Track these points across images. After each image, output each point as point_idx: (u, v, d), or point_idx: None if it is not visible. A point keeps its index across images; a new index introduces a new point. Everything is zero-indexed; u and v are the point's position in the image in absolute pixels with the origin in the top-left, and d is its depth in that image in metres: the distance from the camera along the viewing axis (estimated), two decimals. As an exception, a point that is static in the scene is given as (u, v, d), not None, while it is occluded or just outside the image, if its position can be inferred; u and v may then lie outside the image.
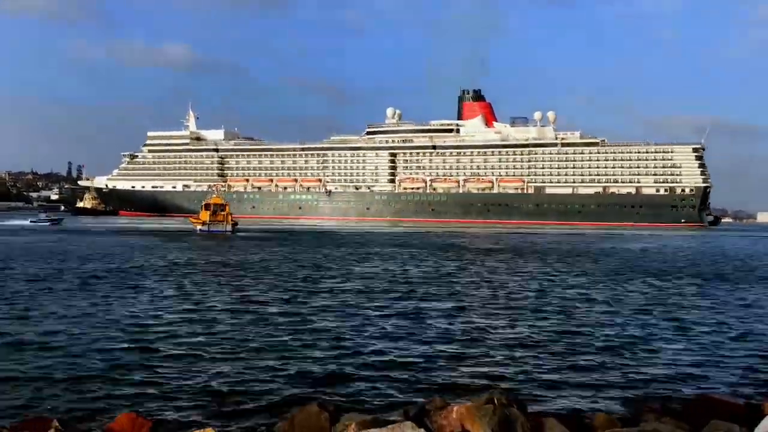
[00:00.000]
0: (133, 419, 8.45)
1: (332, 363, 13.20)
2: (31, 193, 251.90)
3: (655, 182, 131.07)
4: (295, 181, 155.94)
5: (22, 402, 10.50)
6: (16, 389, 11.16)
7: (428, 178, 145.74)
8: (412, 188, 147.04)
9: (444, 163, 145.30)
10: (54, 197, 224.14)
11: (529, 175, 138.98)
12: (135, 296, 22.23)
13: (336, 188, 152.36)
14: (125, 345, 14.52)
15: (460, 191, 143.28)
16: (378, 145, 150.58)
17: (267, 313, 19.15)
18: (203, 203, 76.99)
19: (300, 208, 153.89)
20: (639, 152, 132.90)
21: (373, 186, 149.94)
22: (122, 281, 26.42)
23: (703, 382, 12.49)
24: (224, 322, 17.43)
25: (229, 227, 70.90)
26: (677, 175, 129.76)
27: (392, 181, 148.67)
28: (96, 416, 9.79)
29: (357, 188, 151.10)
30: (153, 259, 37.61)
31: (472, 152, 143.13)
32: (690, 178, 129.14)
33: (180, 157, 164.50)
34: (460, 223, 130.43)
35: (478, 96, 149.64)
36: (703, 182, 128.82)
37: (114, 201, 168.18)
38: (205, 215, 72.35)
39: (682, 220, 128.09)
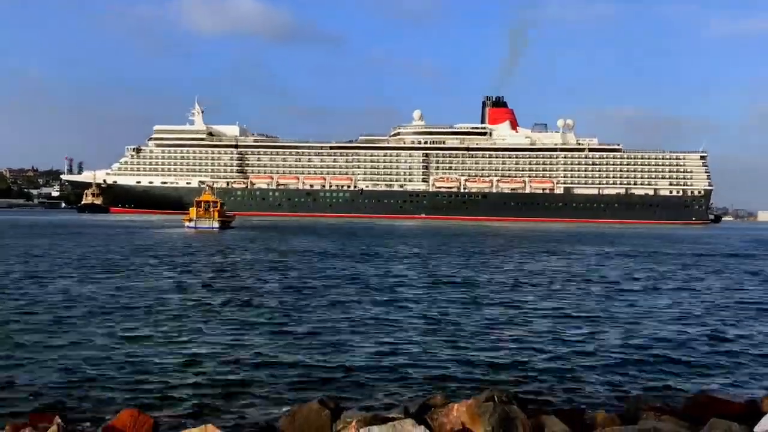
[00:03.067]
0: (134, 416, 8.44)
1: (333, 359, 13.25)
2: (31, 190, 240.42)
3: (670, 185, 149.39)
4: (324, 179, 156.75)
5: (24, 398, 10.52)
6: (18, 385, 11.16)
7: (462, 178, 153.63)
8: (446, 187, 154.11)
9: (476, 164, 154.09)
10: (55, 194, 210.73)
11: (558, 177, 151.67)
12: (133, 291, 22.29)
13: (367, 186, 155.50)
14: (126, 341, 14.58)
15: (494, 191, 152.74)
16: (410, 145, 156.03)
17: (268, 308, 19.34)
18: (195, 200, 77.30)
19: (330, 205, 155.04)
20: (656, 158, 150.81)
21: (405, 185, 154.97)
22: (115, 273, 27.33)
23: (703, 380, 12.43)
24: (224, 318, 17.55)
25: (216, 224, 71.21)
26: (689, 179, 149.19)
27: (425, 180, 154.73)
28: (98, 413, 9.81)
29: (389, 186, 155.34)
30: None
31: (503, 154, 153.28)
32: (699, 182, 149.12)
33: (194, 153, 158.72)
34: (494, 221, 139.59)
35: (500, 102, 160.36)
36: (709, 185, 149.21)
37: (113, 197, 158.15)
38: (194, 212, 72.96)
39: (693, 218, 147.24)
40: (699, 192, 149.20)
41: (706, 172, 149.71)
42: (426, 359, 13.59)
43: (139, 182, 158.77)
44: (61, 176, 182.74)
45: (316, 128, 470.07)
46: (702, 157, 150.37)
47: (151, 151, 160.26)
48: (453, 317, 18.65)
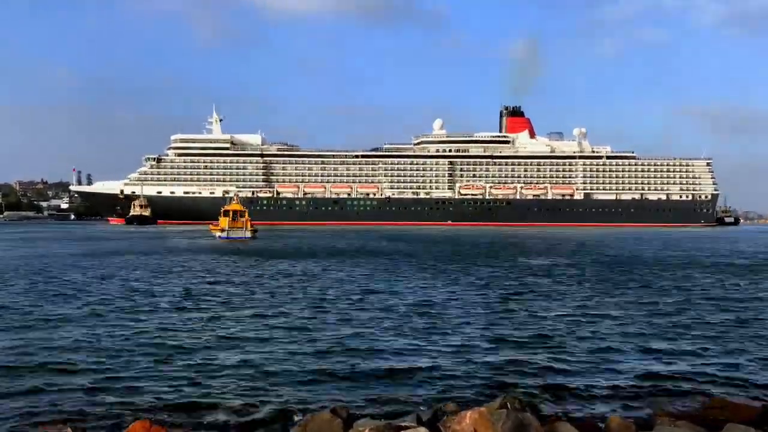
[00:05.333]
0: (146, 428, 8.46)
1: (345, 367, 13.07)
2: (41, 202, 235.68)
3: (680, 190, 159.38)
4: (350, 187, 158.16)
5: (36, 409, 10.40)
6: (30, 396, 11.06)
7: (487, 185, 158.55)
8: (472, 194, 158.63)
9: (499, 171, 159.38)
10: (64, 206, 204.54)
11: (577, 183, 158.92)
12: (149, 303, 21.60)
13: (393, 194, 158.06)
14: (140, 352, 14.35)
15: (518, 197, 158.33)
16: (435, 153, 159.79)
17: (280, 316, 19.12)
18: (222, 210, 77.56)
19: (357, 213, 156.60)
20: (667, 165, 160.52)
21: (432, 192, 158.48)
22: (138, 286, 26.27)
23: (718, 385, 12.11)
24: (236, 328, 17.23)
25: (248, 233, 71.92)
26: (697, 184, 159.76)
27: (451, 187, 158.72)
28: (110, 424, 9.78)
29: (416, 194, 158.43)
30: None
31: (526, 162, 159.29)
32: (706, 187, 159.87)
33: (218, 162, 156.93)
34: (519, 227, 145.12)
35: (517, 112, 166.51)
36: (715, 190, 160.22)
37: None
38: (225, 222, 72.71)
39: (702, 221, 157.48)
40: (706, 196, 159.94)
41: (711, 178, 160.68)
42: (439, 365, 13.34)
43: (160, 192, 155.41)
44: (70, 188, 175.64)
45: (363, 130, 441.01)
46: (708, 164, 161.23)
47: (172, 161, 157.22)
48: (466, 322, 18.37)
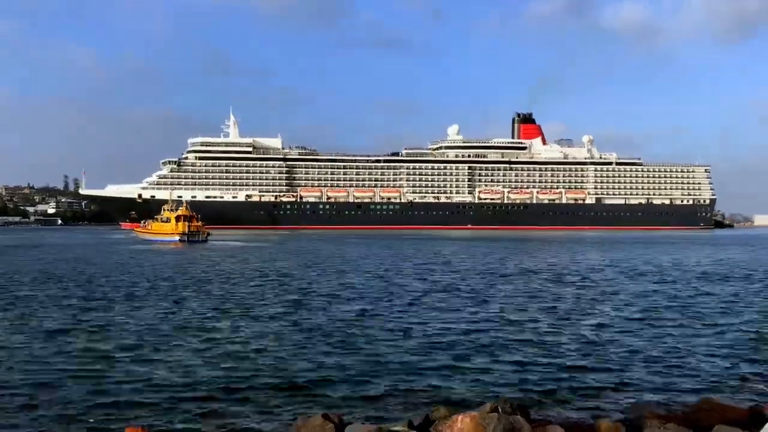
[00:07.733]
0: None
1: (335, 372, 13.07)
2: (27, 208, 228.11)
3: (682, 195, 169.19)
4: (373, 191, 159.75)
5: (27, 418, 10.40)
6: (21, 404, 11.04)
7: (506, 190, 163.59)
8: (491, 199, 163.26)
9: (516, 176, 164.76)
10: (51, 211, 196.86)
11: (588, 188, 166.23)
12: (137, 310, 21.42)
13: (415, 198, 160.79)
14: (129, 358, 14.26)
15: (534, 201, 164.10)
16: (455, 158, 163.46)
17: (267, 319, 19.13)
18: (175, 215, 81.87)
19: (381, 217, 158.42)
20: (670, 171, 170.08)
21: (452, 197, 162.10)
22: (132, 294, 25.91)
23: (706, 387, 12.23)
24: (226, 333, 17.26)
25: (204, 236, 78.76)
26: (698, 190, 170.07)
27: (471, 192, 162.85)
28: (102, 431, 9.82)
29: (437, 198, 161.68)
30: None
31: (541, 167, 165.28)
32: (706, 192, 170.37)
33: (240, 166, 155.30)
34: (535, 230, 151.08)
35: (529, 119, 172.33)
36: (712, 195, 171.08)
37: (150, 212, 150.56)
38: (183, 226, 77.89)
39: (701, 224, 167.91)
40: (705, 201, 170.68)
41: (710, 183, 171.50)
42: (430, 369, 13.48)
43: (180, 197, 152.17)
44: (80, 191, 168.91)
45: (391, 128, 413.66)
46: (706, 170, 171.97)
47: (192, 164, 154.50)
48: (456, 326, 18.47)
